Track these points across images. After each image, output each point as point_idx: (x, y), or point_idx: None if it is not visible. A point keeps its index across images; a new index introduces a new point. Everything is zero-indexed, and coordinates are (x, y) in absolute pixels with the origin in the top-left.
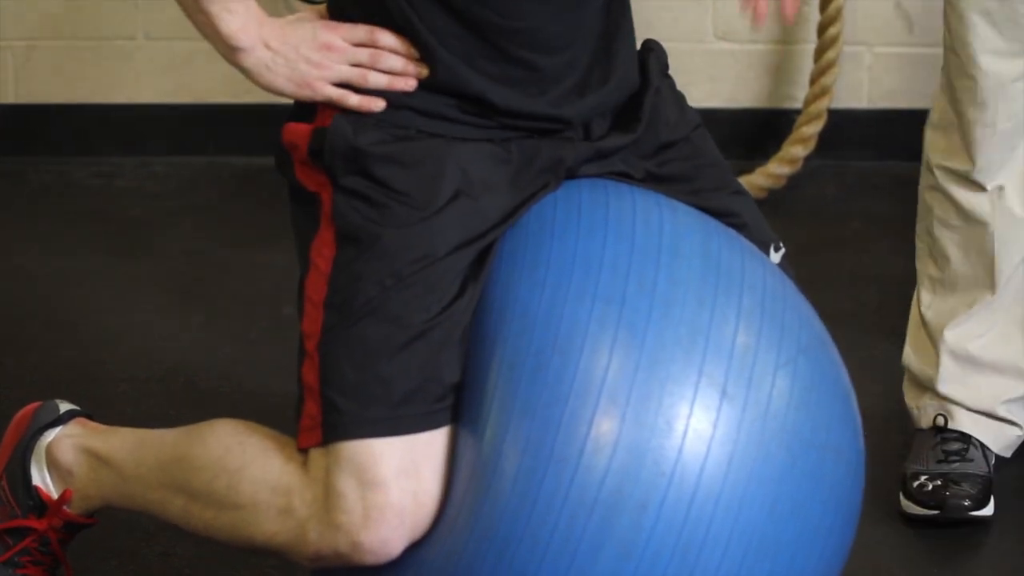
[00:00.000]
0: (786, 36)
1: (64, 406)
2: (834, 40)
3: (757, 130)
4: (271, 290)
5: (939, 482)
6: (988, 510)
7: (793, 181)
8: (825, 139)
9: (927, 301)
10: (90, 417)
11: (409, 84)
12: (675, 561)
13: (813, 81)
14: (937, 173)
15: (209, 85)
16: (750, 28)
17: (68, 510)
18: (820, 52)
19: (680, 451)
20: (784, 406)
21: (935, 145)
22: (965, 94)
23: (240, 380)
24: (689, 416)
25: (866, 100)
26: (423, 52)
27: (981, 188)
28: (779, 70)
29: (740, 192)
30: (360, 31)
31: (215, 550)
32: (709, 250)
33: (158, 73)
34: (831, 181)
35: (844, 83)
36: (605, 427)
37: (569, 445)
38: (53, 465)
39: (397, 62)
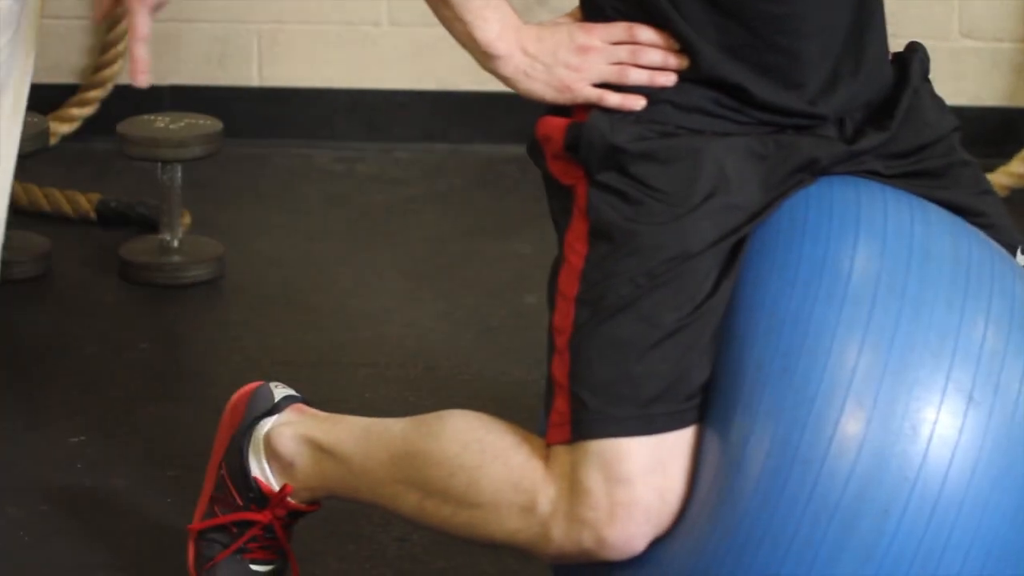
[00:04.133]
0: None
1: (279, 392)
2: None
3: (1001, 128)
4: (513, 278)
5: None
6: None
7: None
8: None
9: None
10: (307, 403)
11: (670, 79)
12: (916, 567)
13: None
14: None
15: (453, 72)
16: (995, 26)
17: (290, 501)
18: None
19: (925, 456)
20: None
21: None
22: None
23: (480, 367)
24: (935, 421)
25: None
26: (682, 44)
27: None
28: (1022, 68)
29: (989, 192)
30: (618, 29)
31: (453, 537)
32: (959, 253)
33: (402, 59)
34: None
35: None
36: (850, 430)
37: (814, 447)
38: (272, 456)
39: (657, 56)
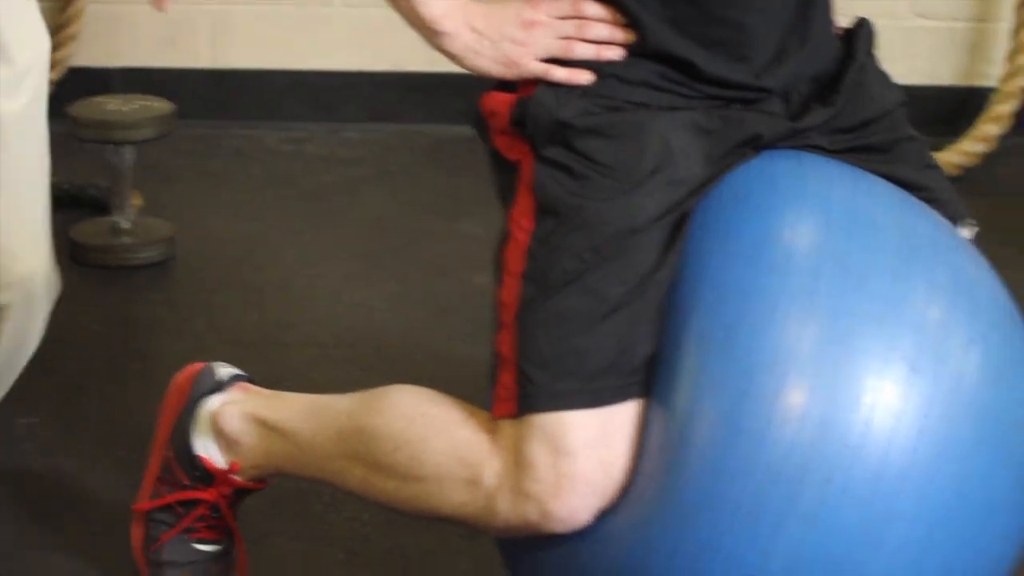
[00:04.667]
0: (983, 14)
1: (223, 370)
2: None
3: (952, 107)
4: (462, 258)
5: None
6: None
7: (987, 159)
8: (1020, 118)
9: None
10: (252, 381)
11: (616, 53)
12: (859, 535)
13: (1009, 59)
14: None
15: (404, 52)
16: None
17: (236, 478)
18: (1017, 30)
19: (868, 425)
20: (974, 382)
21: None
22: None
23: (430, 347)
24: (879, 391)
25: None
26: (628, 18)
27: None
28: (975, 48)
29: (934, 167)
30: (564, 3)
31: (399, 512)
32: (903, 224)
33: (353, 40)
34: None
35: None
36: (794, 400)
37: (758, 418)
38: (219, 434)
39: (603, 30)
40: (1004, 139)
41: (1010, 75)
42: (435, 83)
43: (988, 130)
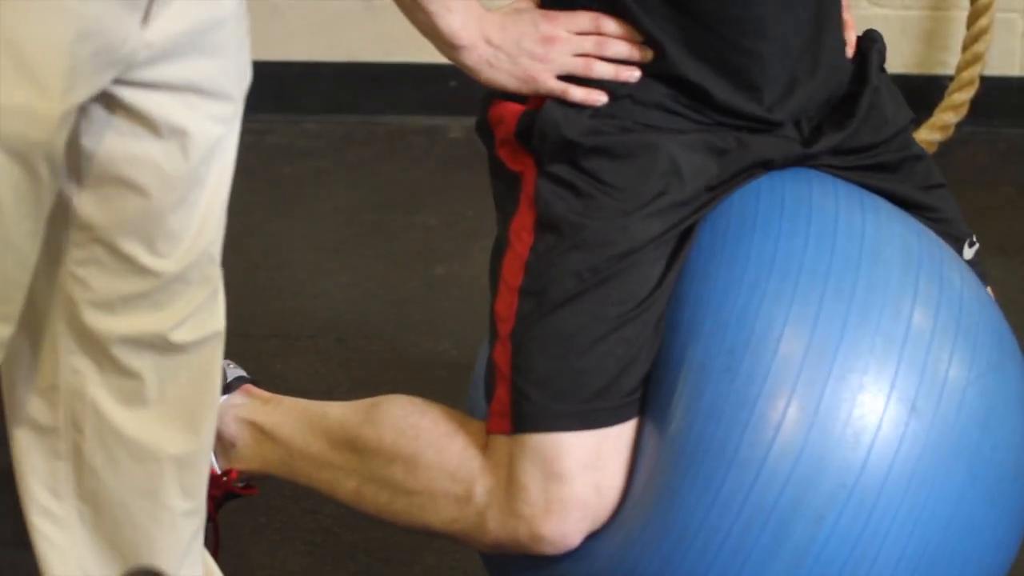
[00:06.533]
0: (939, 2)
1: (232, 371)
2: (987, 7)
3: (908, 96)
4: (422, 249)
5: None
6: None
7: (944, 148)
8: (977, 106)
9: None
10: (255, 383)
11: (634, 75)
12: (846, 574)
13: (965, 48)
14: None
15: (361, 43)
16: None
17: (231, 484)
18: (973, 19)
19: (864, 465)
20: (970, 424)
21: None
22: None
23: (391, 339)
24: (877, 430)
25: (1018, 67)
26: (645, 38)
27: None
28: (932, 36)
29: (941, 185)
30: (583, 19)
31: (391, 524)
32: (909, 258)
33: (310, 30)
34: (982, 148)
35: (996, 50)
36: (791, 434)
37: (754, 450)
38: (218, 437)
39: (623, 48)
40: (961, 127)
41: (966, 63)
42: (393, 73)
43: (945, 119)
